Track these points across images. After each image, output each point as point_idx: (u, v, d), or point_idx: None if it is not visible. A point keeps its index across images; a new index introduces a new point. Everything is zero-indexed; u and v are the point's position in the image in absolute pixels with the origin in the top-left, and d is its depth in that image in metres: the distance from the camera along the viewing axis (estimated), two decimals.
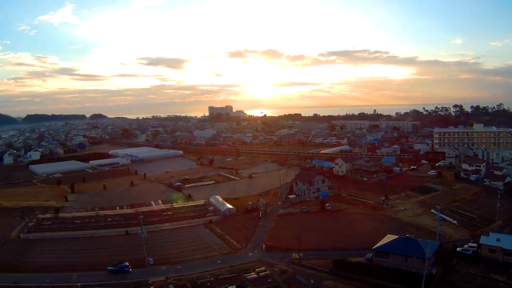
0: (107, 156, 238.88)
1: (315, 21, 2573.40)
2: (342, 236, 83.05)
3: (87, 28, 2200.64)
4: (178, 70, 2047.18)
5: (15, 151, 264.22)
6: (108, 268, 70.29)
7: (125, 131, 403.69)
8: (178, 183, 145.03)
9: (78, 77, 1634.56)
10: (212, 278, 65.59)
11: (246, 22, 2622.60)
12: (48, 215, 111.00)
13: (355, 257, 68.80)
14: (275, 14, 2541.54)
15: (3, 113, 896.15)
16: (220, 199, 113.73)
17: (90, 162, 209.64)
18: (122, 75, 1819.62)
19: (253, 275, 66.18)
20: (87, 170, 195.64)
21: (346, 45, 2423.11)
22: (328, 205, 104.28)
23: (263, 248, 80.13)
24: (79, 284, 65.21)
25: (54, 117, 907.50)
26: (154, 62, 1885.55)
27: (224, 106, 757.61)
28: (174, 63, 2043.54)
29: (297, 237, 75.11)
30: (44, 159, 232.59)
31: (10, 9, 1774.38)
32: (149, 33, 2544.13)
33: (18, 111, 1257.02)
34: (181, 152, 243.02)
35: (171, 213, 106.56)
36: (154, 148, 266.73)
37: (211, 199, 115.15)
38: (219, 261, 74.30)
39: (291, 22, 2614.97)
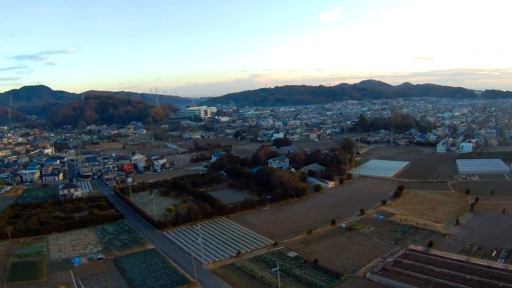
0: None
1: None
2: None
3: None
4: None
5: (450, 139, 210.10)
6: None
7: None
8: None
9: None
10: None
11: None
12: (419, 248, 73.05)
13: None
14: None
15: (466, 87, 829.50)
16: None
17: None
18: None
19: None
20: (506, 175, 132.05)
21: None
22: None
23: None
24: None
25: (508, 94, 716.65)
26: None
27: None
28: None
29: None
30: (474, 153, 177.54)
31: None
32: None
33: (479, 84, 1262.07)
34: None
35: None
36: None
37: None
38: None
39: None
